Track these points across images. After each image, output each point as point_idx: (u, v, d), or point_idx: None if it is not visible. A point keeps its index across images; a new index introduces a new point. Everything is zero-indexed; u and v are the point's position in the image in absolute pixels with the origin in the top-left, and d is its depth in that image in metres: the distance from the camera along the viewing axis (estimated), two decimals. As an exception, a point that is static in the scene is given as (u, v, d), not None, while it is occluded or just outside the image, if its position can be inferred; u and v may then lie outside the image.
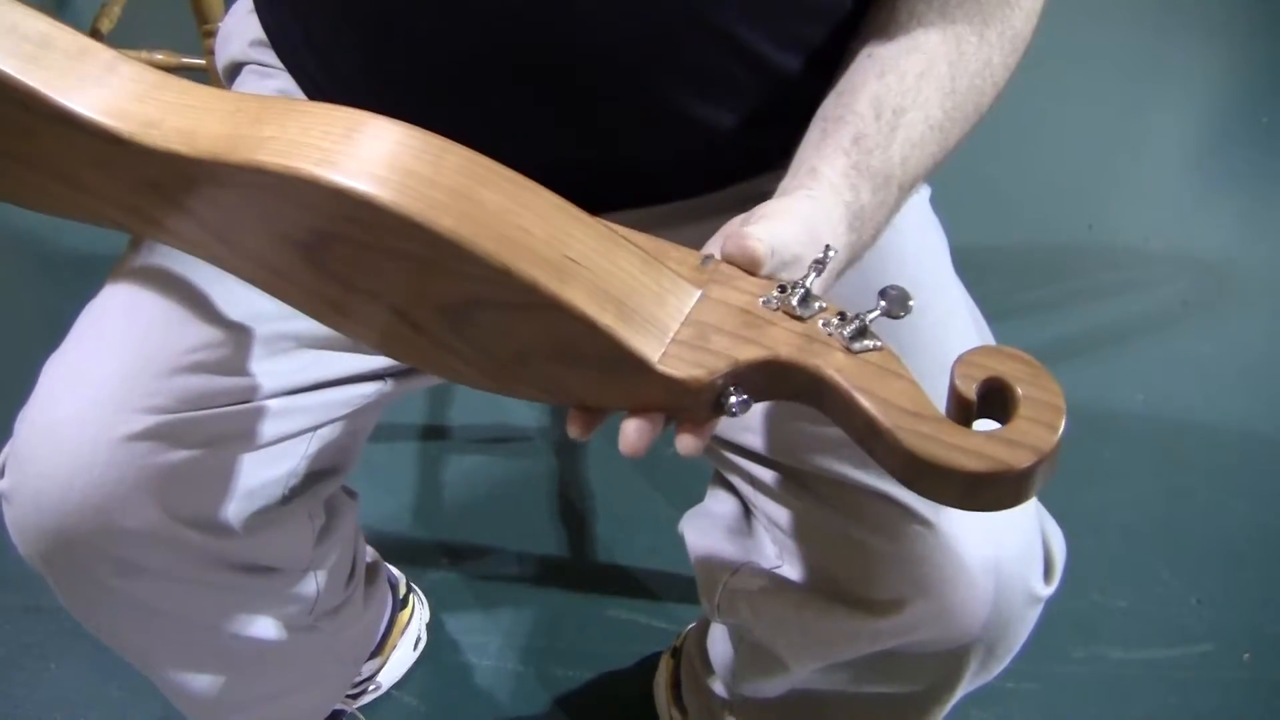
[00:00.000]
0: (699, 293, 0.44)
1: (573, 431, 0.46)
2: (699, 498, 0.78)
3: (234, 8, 0.79)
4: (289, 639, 0.75)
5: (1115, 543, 1.22)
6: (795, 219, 0.48)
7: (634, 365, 0.42)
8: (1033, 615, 0.62)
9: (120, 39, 1.44)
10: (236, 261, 0.53)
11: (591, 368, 0.44)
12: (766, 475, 0.67)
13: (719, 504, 0.74)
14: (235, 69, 0.77)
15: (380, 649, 1.02)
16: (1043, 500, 0.63)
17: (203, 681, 0.74)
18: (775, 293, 0.43)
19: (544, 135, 0.61)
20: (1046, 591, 0.62)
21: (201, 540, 0.61)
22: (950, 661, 0.61)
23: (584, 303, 0.41)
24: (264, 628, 0.72)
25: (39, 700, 1.05)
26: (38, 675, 1.07)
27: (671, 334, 0.42)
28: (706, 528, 0.75)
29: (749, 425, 0.67)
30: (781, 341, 0.42)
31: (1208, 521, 1.26)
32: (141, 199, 0.52)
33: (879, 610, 0.60)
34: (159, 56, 1.41)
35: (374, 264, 0.45)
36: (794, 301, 0.42)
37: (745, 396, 0.42)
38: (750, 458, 0.67)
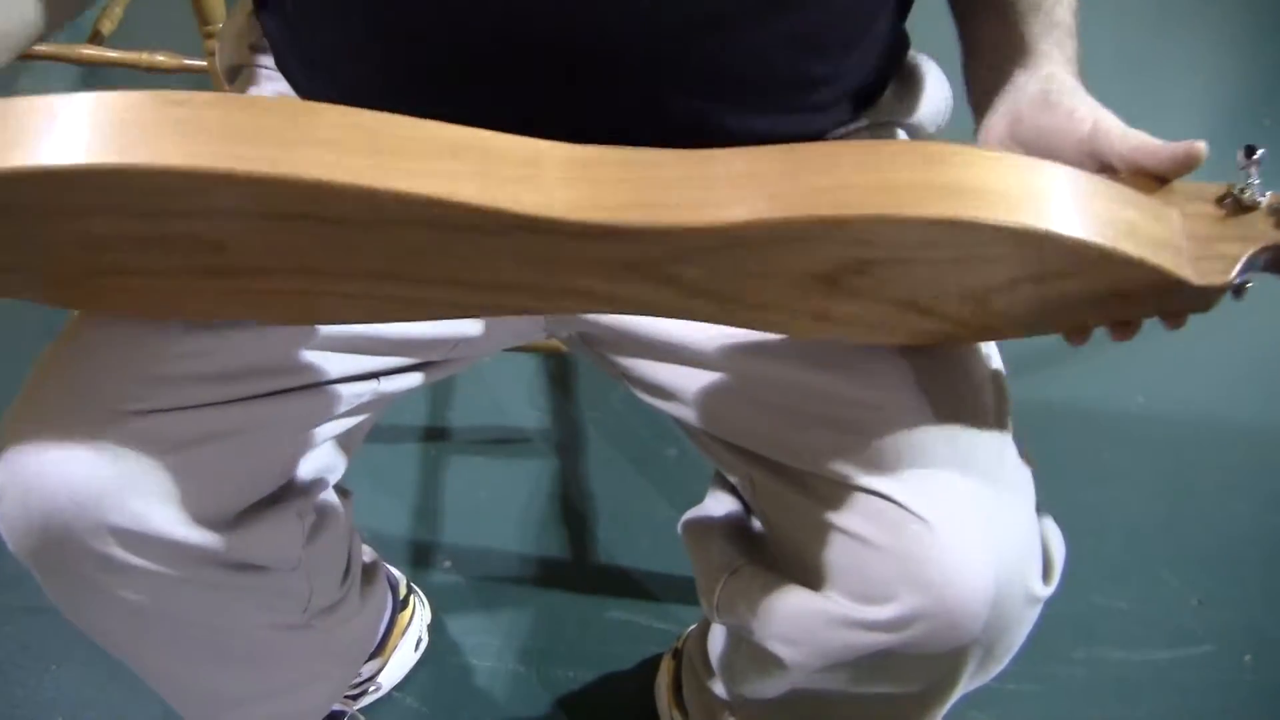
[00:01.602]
0: (1176, 211, 0.51)
1: (1078, 342, 0.56)
2: (699, 498, 0.78)
3: (235, 9, 0.79)
4: (283, 637, 0.75)
5: (1115, 543, 1.22)
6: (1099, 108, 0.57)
7: (1176, 289, 0.50)
8: (1032, 615, 0.62)
9: (121, 40, 1.44)
10: (699, 308, 0.55)
11: (1126, 300, 0.52)
12: (766, 476, 0.67)
13: (719, 504, 0.74)
14: (235, 71, 0.77)
15: (381, 650, 1.02)
16: (1043, 501, 0.63)
17: (196, 679, 0.74)
18: (1234, 192, 0.51)
19: (551, 135, 0.61)
20: (1045, 592, 0.62)
21: (189, 538, 0.61)
22: (949, 661, 0.61)
23: (1150, 255, 0.47)
24: (256, 625, 0.72)
25: (39, 701, 1.05)
26: (38, 676, 1.07)
27: (1186, 253, 0.50)
28: (706, 528, 0.75)
29: (749, 426, 0.67)
30: (1262, 231, 0.51)
31: (1209, 522, 1.26)
32: (604, 281, 0.52)
33: (877, 610, 0.60)
34: (160, 58, 1.40)
35: (911, 274, 0.50)
36: (1247, 196, 0.51)
37: (1249, 280, 0.52)
38: (750, 458, 0.67)
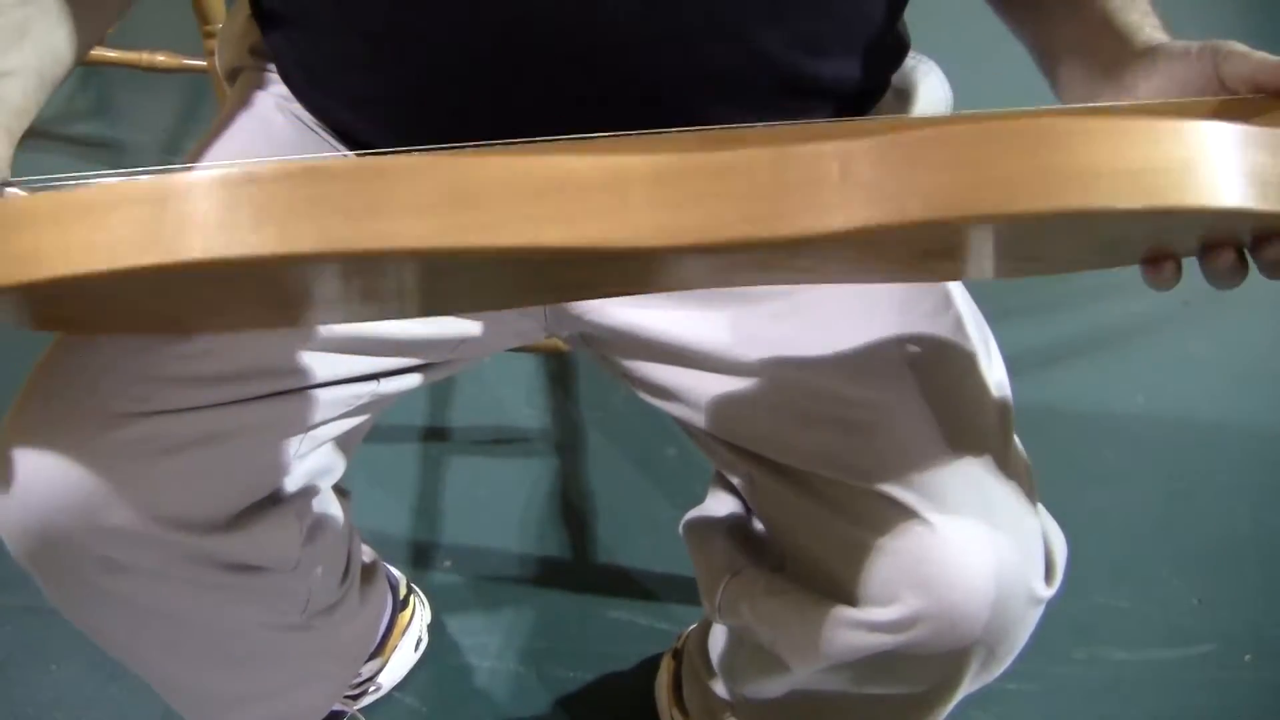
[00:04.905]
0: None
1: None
2: (699, 498, 0.78)
3: (234, 10, 0.79)
4: (282, 637, 0.75)
5: (1116, 543, 1.22)
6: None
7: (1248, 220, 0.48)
8: (1034, 616, 0.62)
9: (121, 40, 1.44)
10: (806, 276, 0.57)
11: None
12: (767, 476, 0.67)
13: (720, 505, 0.74)
14: (235, 73, 0.77)
15: (381, 650, 1.02)
16: (1043, 501, 0.63)
17: (196, 679, 0.74)
18: None
19: (550, 134, 0.61)
20: (1047, 592, 0.62)
21: (187, 539, 0.61)
22: (951, 662, 0.61)
23: (1237, 200, 0.44)
24: (255, 625, 0.72)
25: (40, 701, 1.05)
26: (38, 676, 1.07)
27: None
28: (707, 529, 0.75)
29: (750, 426, 0.67)
30: None
31: (1209, 522, 1.26)
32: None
33: (879, 611, 0.60)
34: (160, 58, 1.41)
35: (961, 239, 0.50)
36: None
37: None
38: (750, 458, 0.67)
